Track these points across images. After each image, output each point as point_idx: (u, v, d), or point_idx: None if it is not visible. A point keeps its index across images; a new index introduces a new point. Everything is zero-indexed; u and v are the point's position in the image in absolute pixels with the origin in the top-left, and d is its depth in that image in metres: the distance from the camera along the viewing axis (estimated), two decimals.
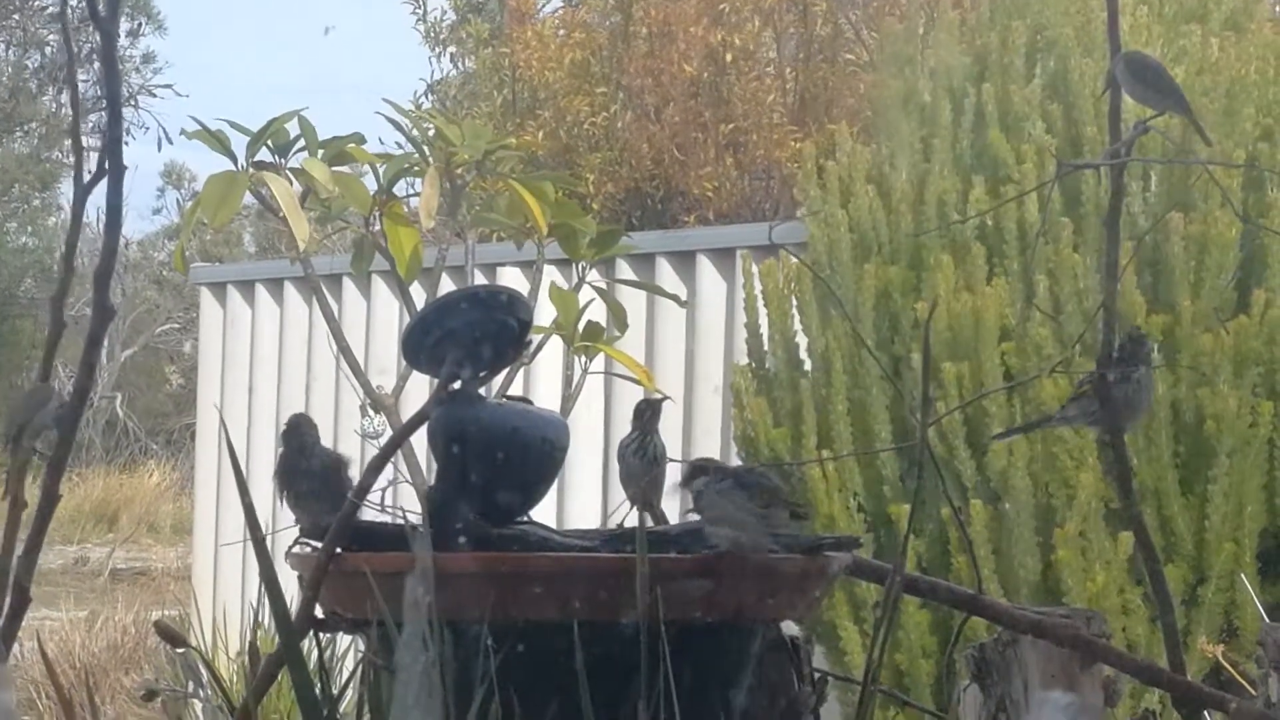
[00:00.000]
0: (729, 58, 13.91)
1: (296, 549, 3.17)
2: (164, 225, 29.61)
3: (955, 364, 6.08)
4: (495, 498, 3.14)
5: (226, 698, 3.55)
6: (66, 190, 25.20)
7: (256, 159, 5.17)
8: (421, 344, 3.16)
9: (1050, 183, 6.01)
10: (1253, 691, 3.85)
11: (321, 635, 3.17)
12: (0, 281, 25.62)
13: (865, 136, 7.23)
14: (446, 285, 6.46)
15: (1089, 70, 6.48)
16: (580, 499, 8.55)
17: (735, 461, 6.41)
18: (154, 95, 27.22)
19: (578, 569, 3.02)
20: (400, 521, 3.04)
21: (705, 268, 8.33)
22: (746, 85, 13.95)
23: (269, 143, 5.20)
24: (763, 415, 6.50)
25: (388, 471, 3.17)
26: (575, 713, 2.90)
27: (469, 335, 3.13)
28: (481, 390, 3.23)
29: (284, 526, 3.29)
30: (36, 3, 26.59)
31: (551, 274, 6.21)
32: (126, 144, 4.06)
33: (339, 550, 3.05)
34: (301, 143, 5.24)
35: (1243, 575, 5.74)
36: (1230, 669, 5.07)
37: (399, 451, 3.38)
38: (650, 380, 6.02)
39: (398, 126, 5.77)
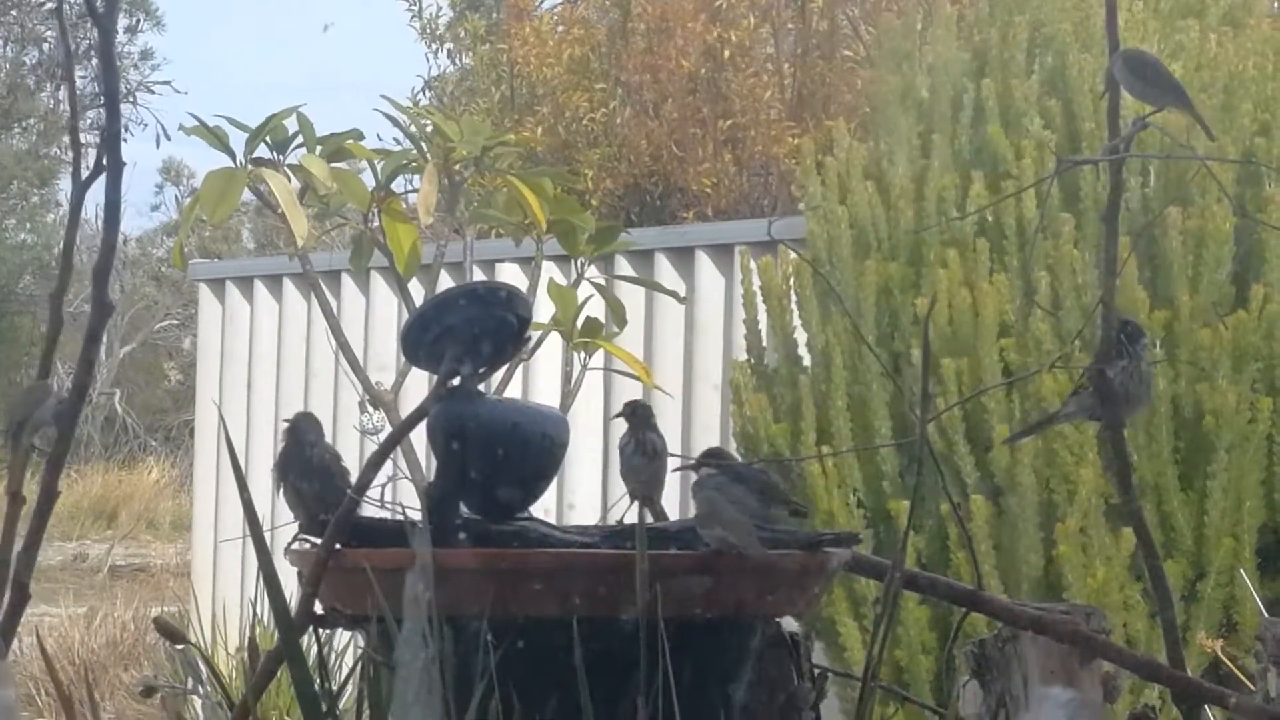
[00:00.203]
0: (727, 54, 13.91)
1: (296, 545, 3.17)
2: (163, 221, 29.64)
3: (955, 360, 6.07)
4: (495, 494, 3.14)
5: (226, 694, 3.56)
6: (65, 186, 25.22)
7: (255, 155, 5.18)
8: (420, 340, 3.16)
9: (1049, 178, 6.00)
10: (1252, 686, 3.85)
11: (321, 631, 3.17)
12: None
13: (863, 132, 7.21)
14: (445, 281, 6.46)
15: (1087, 66, 6.47)
16: (580, 495, 8.55)
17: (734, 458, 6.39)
18: (152, 92, 27.24)
19: (577, 565, 3.02)
20: (400, 518, 3.04)
21: (704, 264, 8.33)
22: (744, 81, 13.95)
23: (267, 139, 5.21)
24: (762, 411, 6.49)
25: (387, 468, 3.17)
26: (575, 709, 2.90)
27: (468, 331, 3.13)
28: (480, 386, 3.23)
29: (283, 523, 3.29)
30: None
31: (550, 270, 6.22)
32: (125, 140, 4.07)
33: (338, 546, 3.05)
34: (300, 139, 5.24)
35: (1242, 570, 5.74)
36: (1229, 664, 5.07)
37: (398, 448, 3.38)
38: (649, 376, 6.03)
39: (396, 123, 5.78)
